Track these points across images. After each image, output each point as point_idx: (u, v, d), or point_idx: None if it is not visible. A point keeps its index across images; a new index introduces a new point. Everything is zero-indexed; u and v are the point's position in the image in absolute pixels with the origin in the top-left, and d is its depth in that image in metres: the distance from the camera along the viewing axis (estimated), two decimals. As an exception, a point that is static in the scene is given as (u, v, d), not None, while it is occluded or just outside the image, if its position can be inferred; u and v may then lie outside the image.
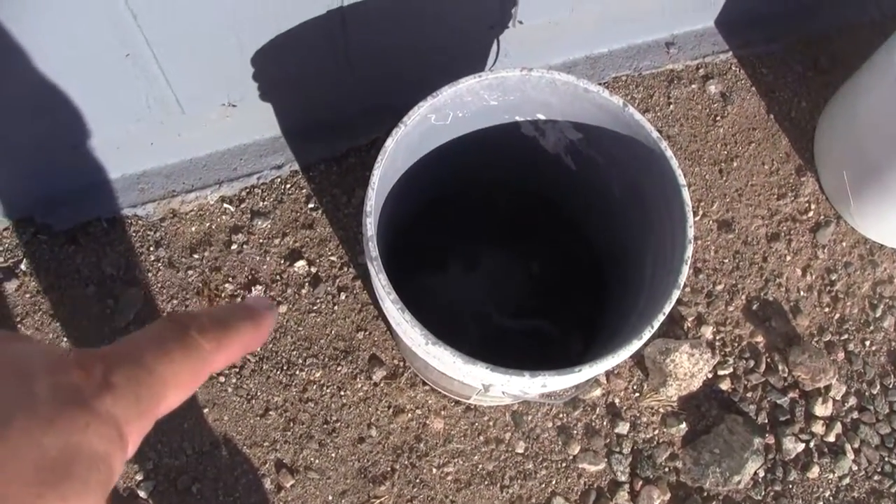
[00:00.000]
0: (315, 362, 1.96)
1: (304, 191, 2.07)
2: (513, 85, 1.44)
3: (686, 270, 1.32)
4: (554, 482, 1.95)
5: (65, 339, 1.93)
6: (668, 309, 1.30)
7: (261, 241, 2.03)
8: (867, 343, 2.13)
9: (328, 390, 1.95)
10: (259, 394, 1.94)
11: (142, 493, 1.86)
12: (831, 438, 2.04)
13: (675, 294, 1.30)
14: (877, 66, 2.00)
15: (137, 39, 1.57)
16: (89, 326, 1.94)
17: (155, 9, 1.51)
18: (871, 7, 2.41)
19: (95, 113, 1.77)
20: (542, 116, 1.55)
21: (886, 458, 2.05)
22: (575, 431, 1.98)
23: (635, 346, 1.29)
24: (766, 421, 2.04)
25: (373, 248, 1.28)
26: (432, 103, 1.37)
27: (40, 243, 1.98)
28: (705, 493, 1.97)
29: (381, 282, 1.27)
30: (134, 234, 2.01)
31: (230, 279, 2.00)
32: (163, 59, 1.66)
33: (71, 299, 1.96)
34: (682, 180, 1.36)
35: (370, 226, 1.29)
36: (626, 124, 1.43)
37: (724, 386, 2.04)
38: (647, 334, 1.29)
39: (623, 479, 1.97)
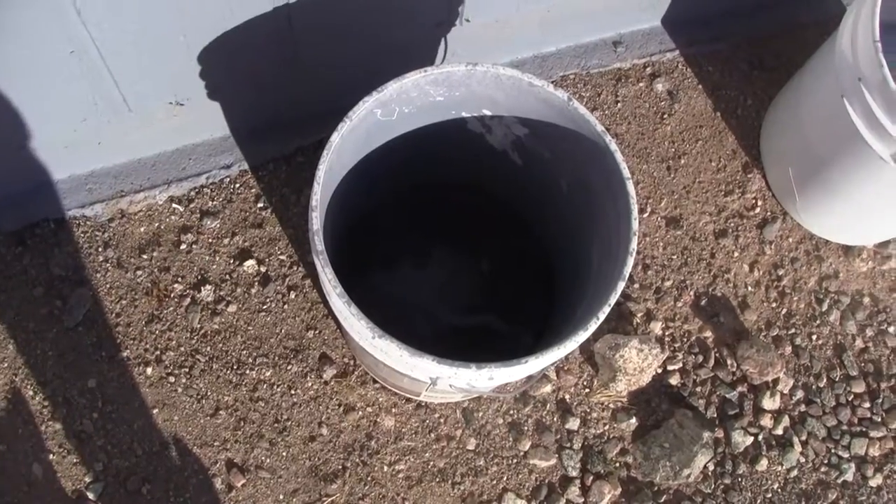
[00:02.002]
0: (265, 361, 1.96)
1: (253, 190, 2.07)
2: (458, 80, 1.44)
3: (631, 262, 1.33)
4: (505, 478, 1.96)
5: (11, 342, 1.90)
6: (613, 300, 1.31)
7: (210, 240, 2.02)
8: (814, 337, 2.16)
9: (278, 389, 1.95)
10: (209, 393, 1.93)
11: (91, 496, 1.84)
12: (779, 431, 2.06)
13: (621, 285, 1.32)
14: (819, 64, 2.03)
15: (82, 36, 1.56)
16: (36, 328, 1.92)
17: (99, 5, 1.50)
18: (814, 6, 2.44)
19: (40, 112, 1.75)
20: (487, 112, 1.56)
21: (833, 450, 2.08)
22: (526, 427, 1.99)
23: (581, 337, 1.30)
24: (716, 415, 2.06)
25: (318, 243, 1.29)
26: (378, 98, 1.38)
27: (-14, 245, 1.97)
28: (656, 488, 1.99)
29: (327, 276, 1.27)
30: (82, 235, 1.99)
31: (179, 279, 1.99)
32: (108, 56, 1.65)
33: (18, 301, 1.94)
34: (626, 173, 1.37)
35: (316, 220, 1.29)
36: (571, 119, 1.44)
37: (674, 381, 2.06)
38: (593, 325, 1.30)
39: (574, 474, 1.98)
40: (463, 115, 1.57)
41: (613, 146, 1.39)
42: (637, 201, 1.38)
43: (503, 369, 1.27)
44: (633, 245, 1.34)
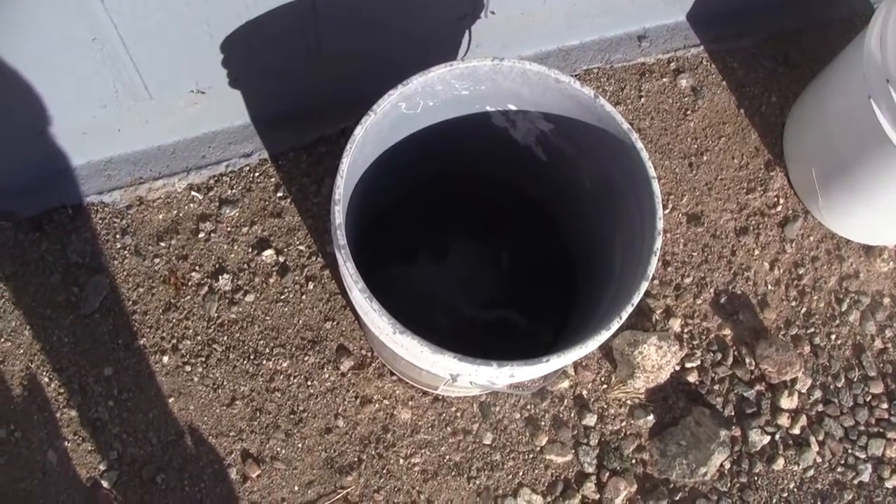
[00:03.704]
0: (282, 352, 1.95)
1: (272, 179, 2.06)
2: (484, 74, 1.43)
3: (655, 262, 1.32)
4: (521, 473, 1.95)
5: (27, 328, 1.90)
6: (636, 300, 1.30)
7: (228, 229, 2.02)
8: (833, 337, 2.14)
9: (295, 380, 1.94)
10: (225, 383, 1.93)
11: (105, 483, 1.84)
12: (796, 431, 2.05)
13: (644, 285, 1.31)
14: (846, 63, 2.01)
15: (105, 24, 1.55)
16: (53, 315, 1.92)
17: (123, -7, 1.50)
18: (841, 3, 2.42)
19: (61, 99, 1.74)
20: (512, 107, 1.55)
21: (850, 451, 2.06)
22: (542, 423, 1.98)
23: (604, 336, 1.29)
24: (733, 413, 2.05)
25: (341, 237, 1.28)
26: (402, 91, 1.37)
27: (3, 230, 1.96)
28: (672, 485, 1.98)
29: (348, 270, 1.26)
30: (100, 222, 1.99)
31: (197, 267, 1.98)
32: (131, 44, 1.64)
33: (35, 287, 1.93)
34: (652, 172, 1.36)
35: (338, 214, 1.28)
36: (596, 116, 1.43)
37: (692, 378, 2.05)
38: (615, 325, 1.29)
39: (590, 470, 1.97)
40: (487, 109, 1.56)
41: (639, 144, 1.37)
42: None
43: (525, 367, 1.26)
44: (658, 244, 1.33)
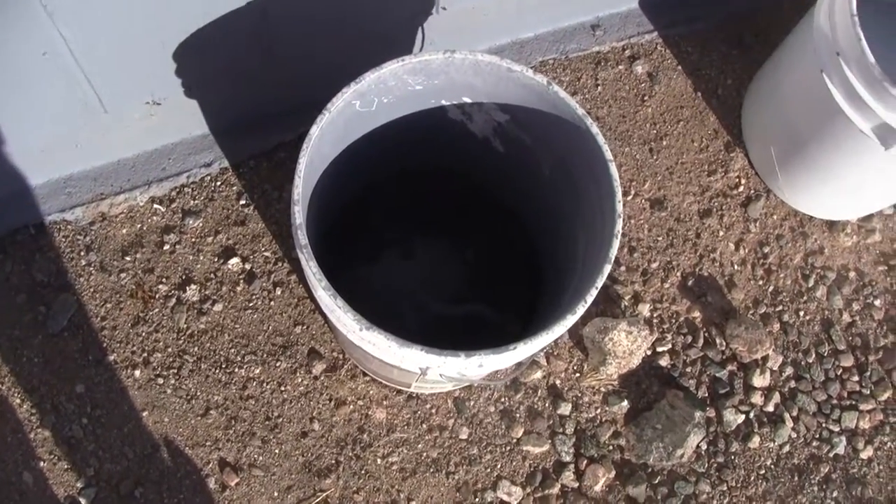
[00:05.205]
0: (254, 359, 1.95)
1: (234, 188, 2.05)
2: (437, 68, 1.44)
3: (617, 244, 1.33)
4: (499, 466, 1.95)
5: (-3, 349, 1.90)
6: (600, 283, 1.31)
7: (193, 240, 2.01)
8: (801, 313, 2.16)
9: (268, 386, 1.94)
10: (199, 393, 1.92)
11: (83, 501, 1.83)
12: (770, 408, 2.07)
13: (607, 268, 1.31)
14: (797, 41, 2.03)
15: (54, 37, 1.54)
16: (21, 335, 1.91)
17: (68, 4, 1.48)
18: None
19: (14, 116, 1.73)
20: (467, 99, 1.55)
21: (824, 425, 2.08)
22: (517, 414, 1.99)
23: (570, 321, 1.30)
24: (707, 394, 2.06)
25: (302, 237, 1.28)
26: (356, 89, 1.37)
27: (-34, 253, 1.95)
28: (650, 469, 1.99)
29: (311, 269, 1.26)
30: (63, 240, 1.98)
31: (164, 280, 1.98)
32: (81, 57, 1.63)
33: (1, 309, 1.92)
34: (609, 155, 1.37)
35: (298, 214, 1.29)
36: (551, 103, 1.44)
37: (664, 362, 2.06)
38: (580, 309, 1.30)
39: (568, 459, 1.98)
40: (443, 103, 1.57)
41: (595, 129, 1.38)
42: (621, 183, 1.37)
43: (492, 356, 1.26)
44: (619, 227, 1.34)
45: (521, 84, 1.44)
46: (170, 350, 1.94)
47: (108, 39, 1.61)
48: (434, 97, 1.54)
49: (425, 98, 1.54)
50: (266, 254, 2.01)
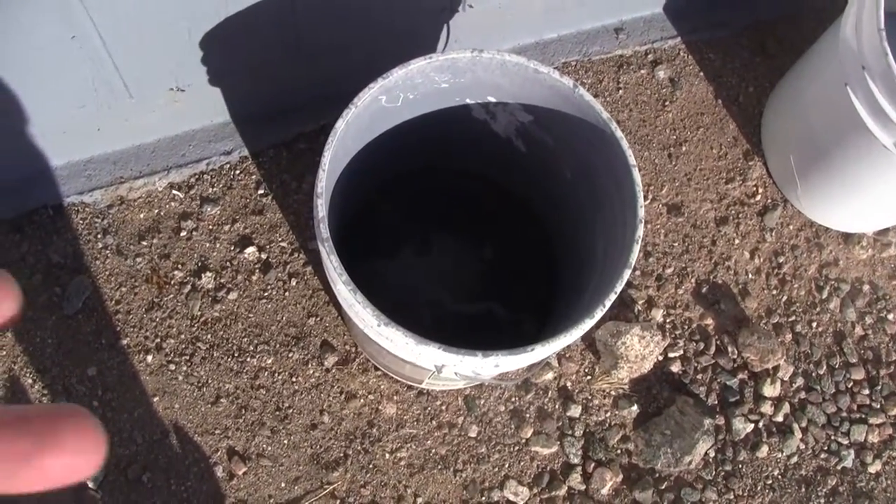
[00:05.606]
0: (266, 349, 1.95)
1: (253, 177, 2.06)
2: (463, 67, 1.44)
3: (637, 249, 1.33)
4: (507, 466, 1.96)
5: (10, 330, 1.89)
6: (619, 287, 1.31)
7: (210, 227, 2.01)
8: (814, 324, 2.16)
9: (280, 377, 1.94)
10: (210, 381, 1.92)
11: (91, 484, 1.84)
12: (779, 418, 2.07)
13: (627, 273, 1.31)
14: (822, 51, 2.02)
15: (84, 21, 1.55)
16: (35, 316, 1.91)
17: (101, -10, 1.49)
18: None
19: (39, 97, 1.74)
20: (492, 99, 1.55)
21: (832, 437, 2.08)
22: (527, 415, 1.99)
23: (587, 324, 1.30)
24: (716, 402, 2.06)
25: (324, 230, 1.28)
26: (383, 84, 1.37)
27: (-16, 232, 1.95)
28: (657, 475, 1.99)
29: (332, 263, 1.26)
30: (81, 222, 1.98)
31: (179, 266, 1.98)
32: (110, 42, 1.63)
33: (17, 288, 1.92)
34: (632, 161, 1.37)
35: (321, 207, 1.29)
36: (576, 106, 1.44)
37: (675, 368, 2.06)
38: (598, 313, 1.30)
39: (575, 461, 1.98)
40: (467, 101, 1.57)
41: (619, 133, 1.38)
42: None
43: (510, 357, 1.26)
44: (640, 232, 1.34)
45: (547, 86, 1.44)
46: (183, 336, 1.94)
47: (138, 25, 1.62)
48: (459, 95, 1.54)
49: (450, 96, 1.54)
50: (282, 244, 2.01)
